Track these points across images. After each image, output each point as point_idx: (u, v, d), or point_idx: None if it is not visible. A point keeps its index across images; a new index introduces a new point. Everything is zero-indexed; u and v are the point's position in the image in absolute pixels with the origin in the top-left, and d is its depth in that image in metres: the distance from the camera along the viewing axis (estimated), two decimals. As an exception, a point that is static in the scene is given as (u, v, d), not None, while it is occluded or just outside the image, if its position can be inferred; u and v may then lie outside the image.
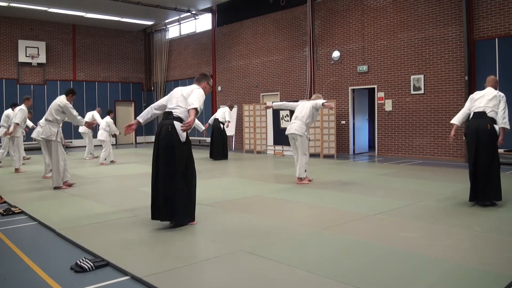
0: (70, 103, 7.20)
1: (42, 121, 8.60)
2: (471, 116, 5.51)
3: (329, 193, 6.44)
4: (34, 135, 9.93)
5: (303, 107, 7.32)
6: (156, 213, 4.42)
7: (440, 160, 10.60)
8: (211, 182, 7.71)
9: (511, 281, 2.90)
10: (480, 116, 5.37)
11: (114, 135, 11.59)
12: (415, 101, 11.18)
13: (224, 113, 11.93)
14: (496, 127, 5.28)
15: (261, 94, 15.31)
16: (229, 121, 12.04)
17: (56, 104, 7.14)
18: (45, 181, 7.95)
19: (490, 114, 5.31)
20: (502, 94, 5.42)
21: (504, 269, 3.15)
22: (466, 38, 9.99)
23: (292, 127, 7.21)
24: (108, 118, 11.30)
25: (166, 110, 4.54)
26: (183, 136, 4.34)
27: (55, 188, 7.00)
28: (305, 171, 7.25)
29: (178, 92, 4.58)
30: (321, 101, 7.18)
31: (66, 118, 7.35)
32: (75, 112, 7.18)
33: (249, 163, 11.23)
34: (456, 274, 3.10)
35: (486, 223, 4.52)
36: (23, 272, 3.33)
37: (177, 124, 4.32)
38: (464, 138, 5.56)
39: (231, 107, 12.61)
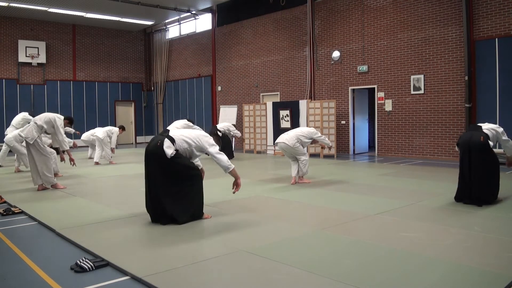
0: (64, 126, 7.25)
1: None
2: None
3: (329, 193, 6.44)
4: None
5: (297, 129, 7.56)
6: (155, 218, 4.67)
7: (440, 160, 10.59)
8: (211, 182, 7.70)
9: (511, 281, 2.90)
10: (475, 128, 5.51)
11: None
12: (415, 101, 11.18)
13: (228, 127, 11.92)
14: (491, 142, 5.29)
15: (261, 94, 15.30)
16: (234, 136, 12.19)
17: (51, 116, 7.04)
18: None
19: (485, 131, 5.38)
20: (502, 129, 5.57)
21: (504, 269, 3.15)
22: (466, 38, 9.99)
23: (283, 137, 7.27)
24: (115, 129, 11.38)
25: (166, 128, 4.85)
26: (168, 153, 4.44)
27: (50, 187, 7.02)
28: (307, 170, 7.31)
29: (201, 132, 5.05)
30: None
31: (49, 136, 7.37)
32: (63, 134, 7.13)
33: (249, 163, 11.22)
34: (456, 274, 3.10)
35: (486, 223, 4.52)
36: (23, 272, 3.33)
37: (166, 141, 4.49)
38: (456, 147, 5.61)
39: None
